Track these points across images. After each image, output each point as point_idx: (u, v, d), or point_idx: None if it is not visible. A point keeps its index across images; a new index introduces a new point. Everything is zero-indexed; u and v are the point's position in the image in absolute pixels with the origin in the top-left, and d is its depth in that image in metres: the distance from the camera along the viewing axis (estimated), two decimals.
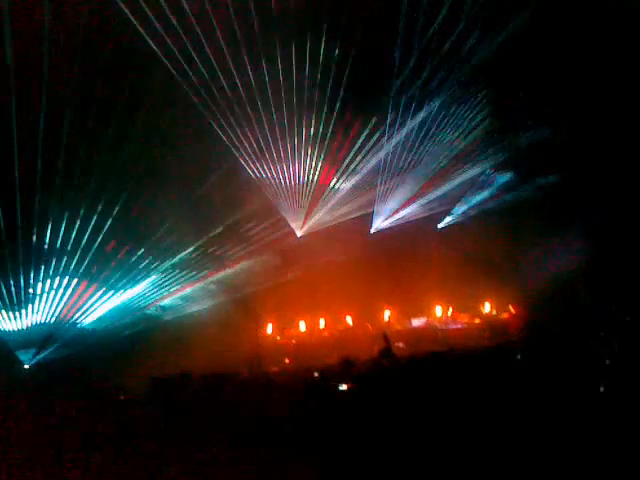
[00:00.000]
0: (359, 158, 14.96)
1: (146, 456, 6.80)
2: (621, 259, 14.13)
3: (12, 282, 13.89)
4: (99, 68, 10.07)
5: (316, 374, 10.86)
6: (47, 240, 13.40)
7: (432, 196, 16.85)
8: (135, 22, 9.47)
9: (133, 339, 15.37)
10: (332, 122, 13.49)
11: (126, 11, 9.25)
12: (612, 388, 7.35)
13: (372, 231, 17.40)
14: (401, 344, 13.88)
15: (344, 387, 8.84)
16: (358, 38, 11.18)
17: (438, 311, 17.96)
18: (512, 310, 17.06)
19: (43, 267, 14.11)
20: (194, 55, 10.50)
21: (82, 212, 13.21)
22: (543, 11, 10.59)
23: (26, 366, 14.91)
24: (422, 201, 16.96)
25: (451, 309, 17.99)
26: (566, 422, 6.19)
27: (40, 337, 14.94)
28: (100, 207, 13.36)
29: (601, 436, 5.75)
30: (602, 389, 7.51)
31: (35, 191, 11.95)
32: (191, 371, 11.78)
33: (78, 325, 15.57)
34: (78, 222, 13.35)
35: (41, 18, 8.87)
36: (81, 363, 14.02)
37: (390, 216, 17.22)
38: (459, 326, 17.26)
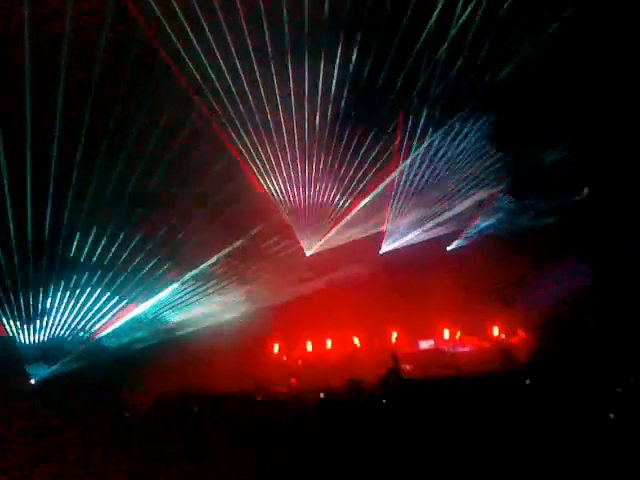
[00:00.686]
0: (370, 180, 15.02)
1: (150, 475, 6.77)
2: (628, 284, 14.03)
3: (21, 297, 13.99)
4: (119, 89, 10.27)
5: (322, 395, 10.80)
6: (58, 255, 13.50)
7: (441, 218, 16.86)
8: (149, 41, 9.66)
9: (139, 356, 15.37)
10: (342, 146, 13.63)
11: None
12: (622, 415, 7.26)
13: (381, 252, 17.39)
14: (408, 366, 13.77)
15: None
16: (371, 64, 11.33)
17: (446, 334, 17.83)
18: (521, 334, 16.89)
19: (53, 282, 14.21)
20: (211, 73, 10.67)
21: (94, 230, 13.37)
22: (555, 35, 10.67)
23: (32, 381, 14.93)
24: (431, 223, 16.96)
25: (459, 332, 17.85)
26: (575, 447, 6.12)
27: (48, 351, 14.97)
28: (114, 225, 13.48)
29: (610, 462, 5.67)
30: (612, 416, 7.42)
31: (48, 207, 12.08)
32: (197, 390, 11.75)
33: (87, 340, 15.59)
34: (91, 239, 13.48)
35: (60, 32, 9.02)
36: (88, 378, 14.02)
37: (399, 238, 17.22)
38: (467, 349, 17.11)
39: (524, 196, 16.20)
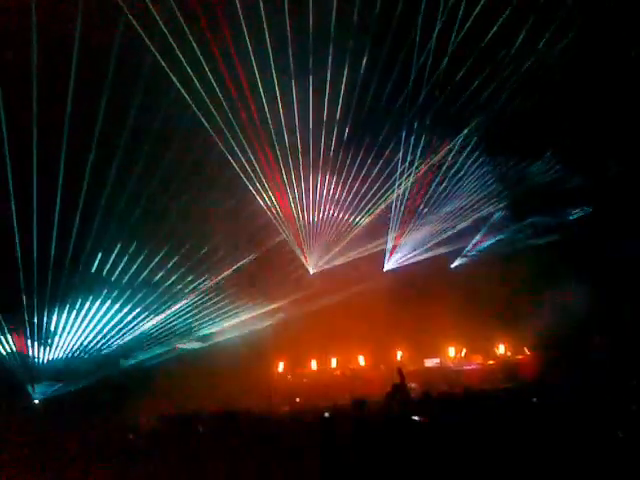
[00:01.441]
0: (374, 197, 15.10)
1: None
2: (636, 302, 13.94)
3: (26, 317, 14.02)
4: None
5: (327, 414, 10.69)
6: (65, 276, 13.57)
7: (445, 236, 16.88)
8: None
9: (142, 374, 15.34)
10: (346, 165, 13.75)
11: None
12: (633, 434, 7.15)
13: (385, 269, 17.40)
14: (414, 384, 13.64)
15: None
16: (376, 82, 11.47)
17: (451, 352, 17.72)
18: (527, 352, 16.77)
19: (58, 304, 14.25)
20: (218, 92, 10.84)
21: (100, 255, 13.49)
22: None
23: (36, 401, 14.88)
24: (435, 240, 16.98)
25: (465, 350, 17.74)
26: (584, 466, 6.03)
27: (52, 371, 14.96)
28: (118, 247, 13.60)
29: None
30: (621, 434, 7.31)
31: (54, 230, 12.20)
32: (202, 409, 11.66)
33: (90, 359, 15.58)
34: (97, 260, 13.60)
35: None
36: (91, 398, 13.97)
37: (403, 255, 17.23)
38: (473, 367, 16.98)
39: (522, 216, 16.22)
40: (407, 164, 13.97)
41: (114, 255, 13.78)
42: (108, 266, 13.95)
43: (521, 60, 10.94)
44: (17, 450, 8.08)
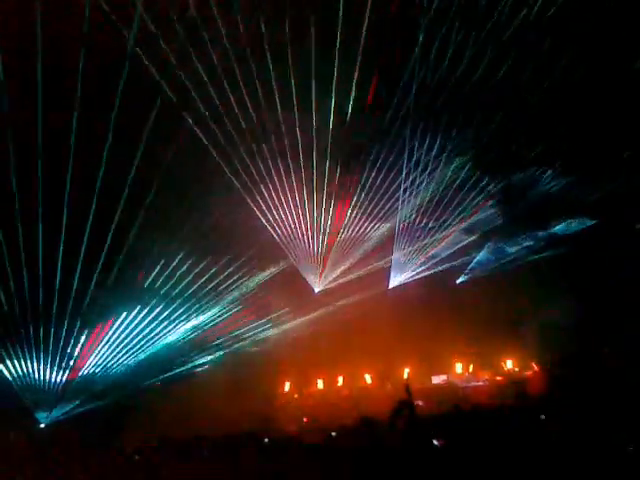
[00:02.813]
0: (378, 215, 15.13)
1: None
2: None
3: (32, 340, 14.06)
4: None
5: (333, 434, 10.62)
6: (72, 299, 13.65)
7: (450, 251, 16.85)
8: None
9: (146, 396, 15.30)
10: (348, 185, 13.84)
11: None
12: None
13: (390, 287, 17.35)
14: (421, 402, 13.52)
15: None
16: (376, 98, 11.58)
17: (459, 368, 17.59)
18: (535, 367, 16.61)
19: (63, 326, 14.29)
20: (220, 109, 10.99)
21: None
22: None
23: (42, 425, 14.83)
24: (440, 256, 16.94)
25: (472, 366, 17.61)
26: None
27: (58, 395, 14.93)
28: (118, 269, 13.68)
29: None
30: (631, 449, 7.20)
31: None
32: (205, 433, 11.60)
33: (96, 383, 15.55)
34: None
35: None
36: (96, 422, 13.93)
37: (407, 272, 17.20)
38: (480, 383, 16.84)
39: (538, 226, 16.16)
40: (410, 182, 14.02)
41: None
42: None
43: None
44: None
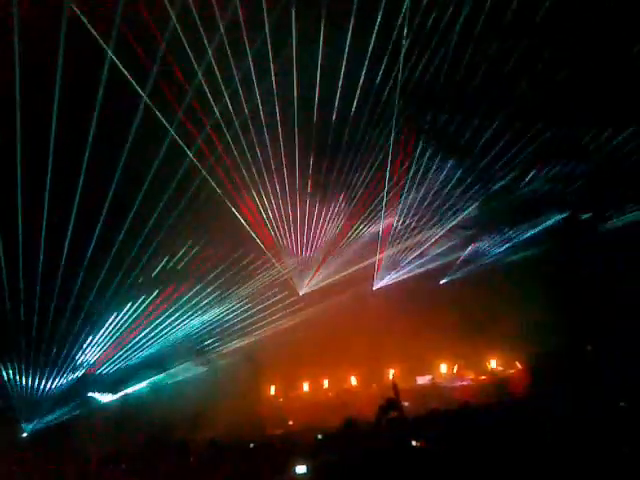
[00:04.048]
0: (362, 217, 15.16)
1: None
2: (629, 313, 13.98)
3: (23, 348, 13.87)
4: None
5: (319, 436, 10.60)
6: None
7: (434, 252, 16.93)
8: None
9: (129, 404, 15.16)
10: (333, 185, 13.84)
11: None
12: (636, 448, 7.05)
13: (374, 288, 17.39)
14: (406, 403, 13.54)
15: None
16: (363, 101, 11.59)
17: (443, 368, 17.68)
18: (519, 366, 16.75)
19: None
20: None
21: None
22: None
23: (24, 434, 14.58)
24: (424, 257, 17.02)
25: (456, 366, 17.71)
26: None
27: (43, 403, 14.72)
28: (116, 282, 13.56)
29: None
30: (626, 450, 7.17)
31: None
32: (194, 437, 11.53)
33: (81, 390, 15.37)
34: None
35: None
36: (82, 429, 13.75)
37: (392, 272, 17.25)
38: (465, 383, 16.95)
39: (521, 226, 16.26)
40: (392, 183, 14.06)
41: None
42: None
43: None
44: None
